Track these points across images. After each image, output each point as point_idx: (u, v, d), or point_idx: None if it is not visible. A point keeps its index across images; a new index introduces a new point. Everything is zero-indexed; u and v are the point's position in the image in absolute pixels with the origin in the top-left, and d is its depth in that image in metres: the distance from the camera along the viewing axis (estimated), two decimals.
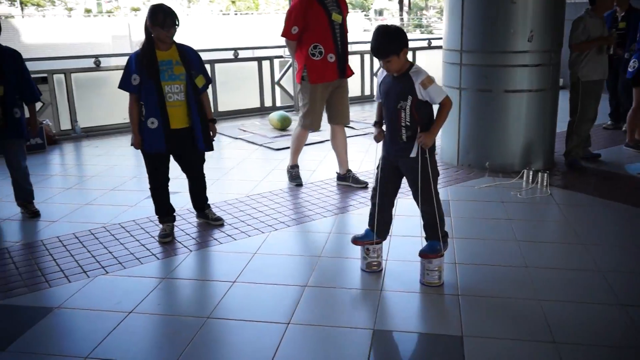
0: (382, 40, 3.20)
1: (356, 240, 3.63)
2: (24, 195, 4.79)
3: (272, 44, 9.98)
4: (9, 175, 4.77)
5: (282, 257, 3.88)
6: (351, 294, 3.37)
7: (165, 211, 4.33)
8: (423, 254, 3.41)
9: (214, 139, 4.29)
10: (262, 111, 9.35)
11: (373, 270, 3.59)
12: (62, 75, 7.88)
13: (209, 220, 4.46)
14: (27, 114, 4.75)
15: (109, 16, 45.46)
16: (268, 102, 9.50)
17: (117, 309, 3.24)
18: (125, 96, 7.79)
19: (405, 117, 3.29)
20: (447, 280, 3.49)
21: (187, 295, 3.43)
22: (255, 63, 9.48)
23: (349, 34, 5.21)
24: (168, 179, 4.33)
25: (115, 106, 8.35)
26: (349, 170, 5.34)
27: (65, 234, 4.34)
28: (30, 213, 4.73)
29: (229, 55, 9.41)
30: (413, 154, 3.31)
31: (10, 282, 3.59)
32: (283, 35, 5.11)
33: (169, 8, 3.91)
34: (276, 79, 9.59)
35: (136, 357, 2.78)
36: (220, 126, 8.30)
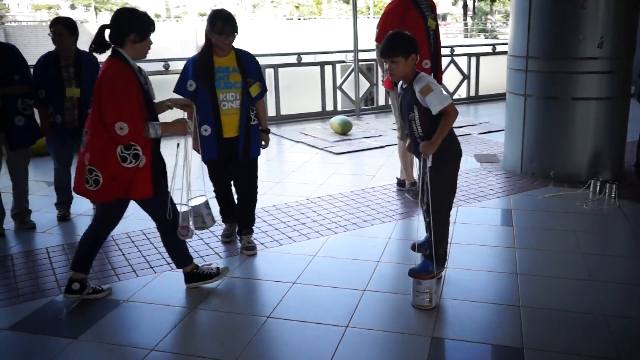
0: (393, 40, 3.21)
1: (414, 247, 3.64)
2: None
3: (335, 48, 10.05)
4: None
5: (341, 260, 3.92)
6: (409, 301, 3.36)
7: (227, 212, 4.37)
8: (413, 273, 3.27)
9: (266, 147, 4.15)
10: (323, 115, 9.43)
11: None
12: None
13: (242, 247, 4.13)
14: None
15: (177, 21, 46.77)
16: (329, 107, 9.58)
17: (181, 304, 3.36)
18: None
19: (417, 128, 3.25)
20: (508, 290, 3.44)
21: (248, 294, 3.51)
22: (317, 68, 9.57)
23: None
24: (230, 183, 4.29)
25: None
26: (413, 183, 5.19)
27: (134, 230, 4.52)
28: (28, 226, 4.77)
29: (293, 59, 9.54)
30: (429, 163, 3.23)
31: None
32: (378, 40, 5.00)
33: (229, 14, 3.82)
34: (338, 83, 9.66)
35: (200, 352, 2.88)
36: (282, 129, 8.45)
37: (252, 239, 4.18)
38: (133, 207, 5.04)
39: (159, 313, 3.28)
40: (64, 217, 4.82)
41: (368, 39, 8.77)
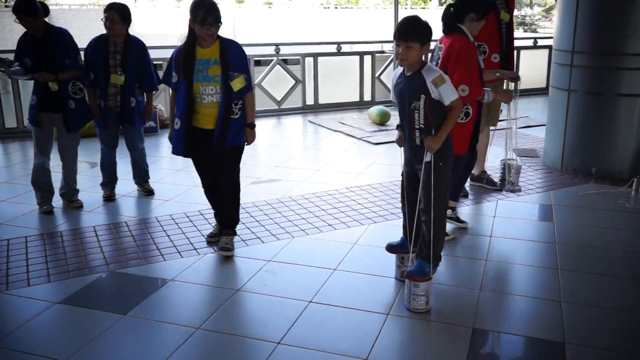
0: (412, 23, 3.06)
1: (391, 248, 3.50)
2: (141, 174, 5.15)
3: (373, 38, 10.02)
4: (129, 155, 5.12)
5: (381, 249, 3.92)
6: (449, 291, 3.39)
7: (215, 210, 4.16)
8: (410, 275, 3.16)
9: (250, 144, 3.90)
10: (361, 105, 9.44)
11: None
12: None
13: (219, 246, 3.95)
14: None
15: None
16: (367, 97, 9.58)
17: (225, 286, 3.44)
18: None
19: (419, 118, 3.11)
20: (548, 285, 3.44)
21: (290, 278, 3.56)
22: (356, 57, 9.56)
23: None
24: (214, 180, 3.99)
25: None
26: (484, 172, 5.22)
27: (177, 212, 4.62)
28: (146, 191, 5.08)
29: (332, 49, 9.55)
30: (427, 159, 3.11)
31: (129, 252, 3.90)
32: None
33: (212, 3, 3.59)
34: (376, 74, 9.64)
35: (244, 332, 2.95)
36: (320, 118, 8.50)
37: (231, 240, 3.95)
38: (176, 191, 5.19)
39: (203, 293, 3.38)
40: (109, 197, 4.95)
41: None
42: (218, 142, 3.74)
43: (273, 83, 9.10)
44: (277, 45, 9.14)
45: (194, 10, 3.57)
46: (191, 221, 4.45)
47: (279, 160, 6.24)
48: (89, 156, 6.14)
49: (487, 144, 5.17)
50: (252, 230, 4.28)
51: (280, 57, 9.07)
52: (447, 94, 3.05)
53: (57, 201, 4.81)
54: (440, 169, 3.14)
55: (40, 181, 4.65)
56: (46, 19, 4.54)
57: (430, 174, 3.11)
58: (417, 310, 3.12)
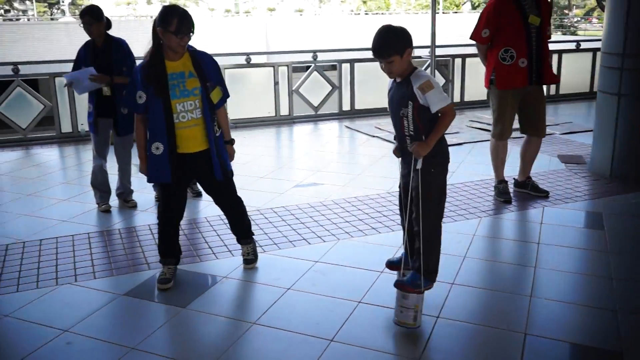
0: (383, 38, 2.91)
1: (391, 265, 3.36)
2: None
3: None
4: None
5: None
6: (500, 296, 3.44)
7: (169, 252, 3.66)
8: (399, 284, 3.04)
9: (232, 161, 3.72)
10: None
11: None
12: None
13: (243, 258, 3.85)
14: None
15: (247, 16, 47.55)
16: None
17: (276, 284, 3.57)
18: (271, 89, 8.30)
19: (408, 125, 2.98)
20: (602, 293, 3.43)
21: (339, 279, 3.67)
22: None
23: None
24: (181, 215, 3.72)
25: (262, 100, 8.95)
26: (529, 178, 5.22)
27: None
28: (195, 193, 5.26)
29: (368, 55, 9.64)
30: (419, 166, 2.96)
31: (182, 250, 4.05)
32: (473, 38, 5.00)
33: (184, 11, 3.30)
34: None
35: (297, 328, 3.07)
36: (356, 124, 8.61)
37: (252, 248, 3.85)
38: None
39: (256, 290, 3.52)
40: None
41: (439, 35, 8.85)
42: (222, 168, 3.53)
43: (310, 89, 9.26)
44: (314, 52, 9.30)
45: (165, 17, 3.25)
46: None
47: (319, 164, 6.37)
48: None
49: (535, 153, 5.19)
50: (297, 231, 4.41)
51: (317, 64, 9.23)
52: (435, 101, 2.89)
53: (113, 201, 5.05)
54: (431, 176, 2.99)
55: (99, 182, 4.90)
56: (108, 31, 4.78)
57: (418, 182, 2.96)
58: (405, 325, 3.02)
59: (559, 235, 4.30)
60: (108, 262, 3.92)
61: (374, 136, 7.78)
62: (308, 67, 9.30)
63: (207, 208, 4.96)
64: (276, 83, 8.91)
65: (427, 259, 3.04)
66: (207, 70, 3.44)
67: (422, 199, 2.96)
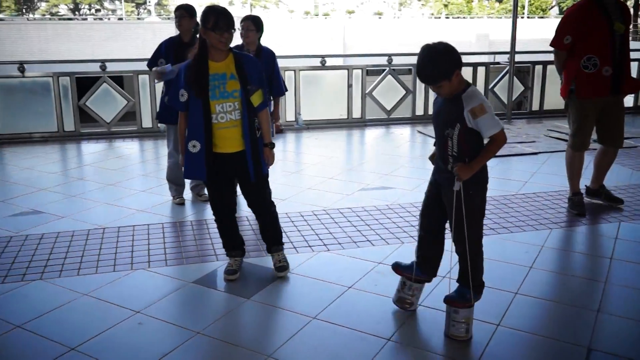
0: (428, 63, 2.75)
1: (397, 268, 3.32)
2: None
3: (486, 49, 9.95)
4: None
5: (490, 261, 3.92)
6: (564, 308, 3.37)
7: (231, 245, 3.80)
8: (449, 300, 3.02)
9: (270, 165, 3.68)
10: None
11: (405, 308, 3.28)
12: (292, 72, 8.71)
13: (274, 267, 3.79)
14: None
15: (325, 18, 47.95)
16: None
17: (338, 282, 3.64)
18: (344, 92, 8.38)
19: (452, 146, 2.85)
20: None
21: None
22: (469, 69, 9.53)
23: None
24: (231, 210, 3.78)
25: (335, 102, 9.07)
26: (602, 186, 5.08)
27: (292, 211, 4.91)
28: None
29: None
30: (456, 187, 2.84)
31: (249, 244, 4.21)
32: (553, 45, 4.86)
33: (223, 9, 3.37)
34: (490, 85, 9.58)
35: (356, 326, 3.13)
36: (429, 129, 8.56)
37: (283, 256, 3.82)
38: (291, 192, 5.49)
39: (318, 287, 3.59)
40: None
41: (522, 41, 8.65)
42: (256, 171, 3.53)
43: (384, 93, 9.29)
44: (389, 55, 9.32)
45: (205, 17, 3.33)
46: (305, 220, 4.71)
47: (388, 168, 6.40)
48: None
49: (610, 163, 5.03)
50: (362, 233, 4.47)
51: (392, 67, 9.25)
52: (487, 127, 2.75)
53: (187, 194, 5.29)
54: (470, 198, 2.89)
55: (175, 177, 5.13)
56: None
57: (460, 203, 2.86)
58: (456, 337, 3.00)
59: (634, 251, 4.15)
60: (179, 251, 4.12)
61: None
62: (383, 71, 9.33)
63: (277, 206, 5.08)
64: (350, 86, 9.00)
65: (475, 276, 3.01)
66: (249, 73, 3.44)
67: (457, 218, 2.90)
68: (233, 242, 3.78)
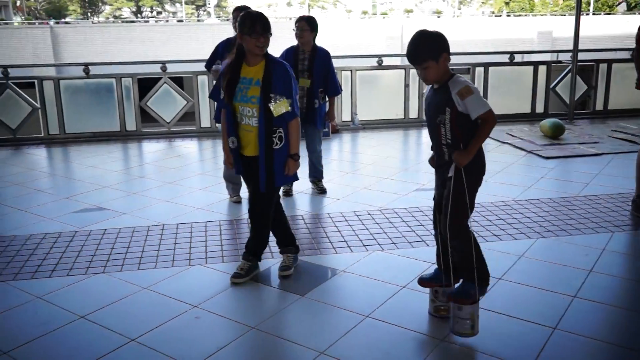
0: (418, 43, 2.80)
1: (422, 281, 3.25)
2: (316, 174, 5.55)
3: (549, 47, 9.70)
4: (306, 156, 5.54)
5: (549, 264, 3.91)
6: (624, 313, 3.28)
7: (278, 241, 3.92)
8: (452, 296, 2.95)
9: (291, 175, 3.61)
10: (532, 117, 9.18)
11: (442, 315, 3.20)
12: (349, 72, 8.73)
13: (235, 273, 3.71)
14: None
15: (383, 18, 47.77)
16: (540, 109, 9.30)
17: (392, 281, 3.63)
18: (401, 92, 8.31)
19: (446, 133, 2.87)
20: None
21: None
22: (530, 68, 9.34)
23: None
24: (280, 203, 3.90)
25: (391, 102, 9.03)
26: None
27: (348, 211, 4.93)
28: (320, 190, 5.46)
29: (504, 58, 9.41)
30: (450, 173, 2.87)
31: (304, 242, 4.26)
32: (638, 41, 4.71)
33: (260, 13, 3.45)
34: (552, 84, 9.34)
35: (409, 325, 3.13)
36: None
37: (291, 259, 3.82)
38: (346, 191, 5.52)
39: (371, 286, 3.60)
40: (288, 192, 5.41)
41: (587, 38, 8.38)
42: (267, 180, 3.52)
43: None
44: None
45: (242, 22, 3.40)
46: (360, 220, 4.72)
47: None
48: None
49: None
50: (417, 233, 4.44)
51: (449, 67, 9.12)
52: (475, 107, 2.78)
53: (243, 192, 5.34)
54: (463, 186, 2.87)
55: (232, 176, 5.22)
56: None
57: (459, 191, 2.86)
58: (462, 334, 2.95)
59: None
60: (235, 249, 4.20)
61: (504, 142, 7.58)
62: None
63: (330, 205, 5.14)
64: (406, 85, 8.94)
65: (479, 266, 2.95)
66: (275, 81, 3.44)
67: (453, 208, 2.88)
68: (280, 239, 3.87)
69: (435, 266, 3.28)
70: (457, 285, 3.03)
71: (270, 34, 3.42)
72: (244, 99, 3.47)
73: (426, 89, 2.98)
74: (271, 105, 3.42)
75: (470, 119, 2.81)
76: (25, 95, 8.32)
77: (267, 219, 3.71)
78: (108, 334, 3.09)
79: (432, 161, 3.11)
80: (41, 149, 7.86)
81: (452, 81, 2.83)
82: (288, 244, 3.86)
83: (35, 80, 8.36)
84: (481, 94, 2.85)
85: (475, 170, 2.93)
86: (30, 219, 4.93)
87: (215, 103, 5.17)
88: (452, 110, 2.82)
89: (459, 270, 3.01)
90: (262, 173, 3.51)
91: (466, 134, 2.84)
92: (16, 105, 8.31)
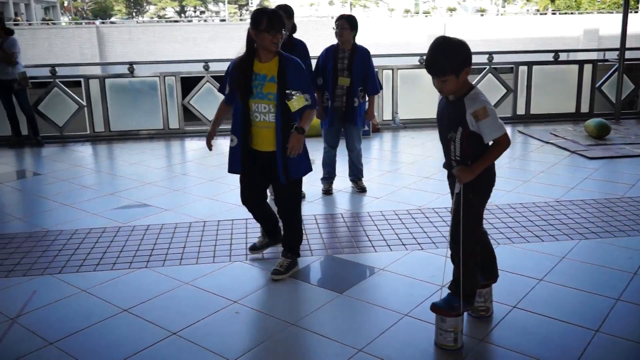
0: (439, 54, 2.65)
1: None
2: (356, 172, 5.55)
3: (595, 46, 9.49)
4: (346, 155, 5.55)
5: (591, 266, 3.84)
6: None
7: (265, 231, 3.99)
8: (435, 308, 2.91)
9: (294, 153, 3.54)
10: (576, 117, 8.99)
11: (481, 315, 3.18)
12: (390, 71, 8.70)
13: (274, 270, 3.73)
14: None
15: (426, 16, 47.38)
16: (585, 108, 9.10)
17: (431, 281, 3.62)
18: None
19: (455, 150, 2.77)
20: None
21: (495, 283, 3.64)
22: (575, 66, 9.14)
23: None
24: (262, 199, 3.90)
25: (432, 102, 8.94)
26: None
27: (387, 209, 4.92)
28: (359, 188, 5.47)
29: (548, 57, 9.24)
30: (457, 189, 2.80)
31: (343, 241, 4.29)
32: None
33: (274, 10, 3.47)
34: (597, 84, 9.12)
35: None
36: (530, 129, 8.29)
37: (286, 262, 3.76)
38: (386, 190, 5.51)
39: (410, 285, 3.59)
40: (328, 191, 5.44)
41: (635, 36, 8.16)
42: (284, 173, 3.56)
43: (483, 91, 8.89)
44: (490, 53, 9.10)
45: (257, 18, 3.40)
46: (400, 219, 4.70)
47: None
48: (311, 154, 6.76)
49: None
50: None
51: (492, 66, 9.02)
52: (490, 131, 2.66)
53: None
54: (468, 202, 2.81)
55: None
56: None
57: (459, 207, 2.80)
58: (444, 346, 2.91)
59: None
60: (275, 246, 4.22)
61: (548, 142, 7.45)
62: (483, 69, 9.12)
63: (369, 203, 5.14)
64: None
65: (465, 283, 2.90)
66: (290, 77, 3.47)
67: (455, 221, 2.85)
68: (266, 228, 3.96)
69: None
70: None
71: (286, 31, 3.45)
72: (260, 96, 3.48)
73: (439, 96, 2.93)
74: (288, 101, 3.45)
75: (481, 138, 2.72)
76: (72, 94, 8.56)
77: (296, 214, 3.79)
78: (150, 327, 3.16)
79: (446, 166, 3.05)
80: (86, 146, 8.08)
81: (469, 97, 2.70)
82: (284, 244, 3.87)
83: (82, 79, 8.60)
84: (497, 114, 2.75)
85: (484, 186, 2.87)
86: (76, 214, 5.08)
87: None
88: (464, 130, 2.71)
89: (455, 280, 2.98)
90: (279, 166, 3.55)
91: (475, 153, 2.76)
92: (63, 103, 8.56)
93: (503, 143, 2.71)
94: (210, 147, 3.88)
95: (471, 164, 2.75)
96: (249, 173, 3.70)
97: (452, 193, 2.96)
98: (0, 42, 7.67)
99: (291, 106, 3.46)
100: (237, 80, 3.51)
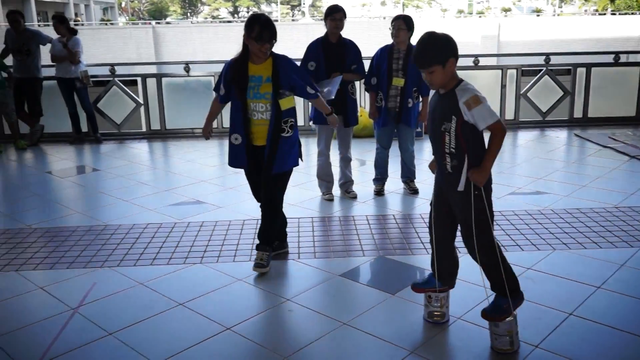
0: (424, 47, 2.73)
1: (416, 287, 3.21)
2: (408, 174, 5.54)
3: None
4: (399, 156, 5.53)
5: (633, 270, 3.72)
6: None
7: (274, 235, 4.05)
8: (486, 315, 2.89)
9: (333, 126, 4.27)
10: (636, 121, 8.72)
11: (436, 321, 3.17)
12: None
13: (255, 263, 3.84)
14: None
15: (480, 17, 46.64)
16: None
17: (480, 283, 3.52)
18: (496, 93, 8.13)
19: (450, 142, 2.77)
20: None
21: (550, 288, 3.56)
22: (637, 69, 8.88)
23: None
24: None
25: None
26: None
27: (425, 212, 4.87)
28: (412, 190, 5.45)
29: (608, 59, 8.98)
30: (460, 187, 2.79)
31: (395, 242, 4.29)
32: None
33: (268, 19, 3.62)
34: None
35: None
36: (587, 133, 8.08)
37: (266, 256, 3.83)
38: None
39: (463, 288, 3.52)
40: (380, 192, 5.44)
41: None
42: (267, 164, 3.72)
43: (539, 94, 8.90)
44: (547, 54, 8.90)
45: (249, 25, 3.57)
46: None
47: (542, 172, 6.15)
48: (360, 155, 6.81)
49: None
50: (511, 237, 4.34)
51: (549, 67, 8.82)
52: (483, 117, 2.69)
53: (335, 191, 5.48)
54: (477, 199, 2.80)
55: (325, 174, 5.33)
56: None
57: (469, 206, 2.80)
58: (501, 350, 2.88)
59: None
60: (327, 245, 4.28)
61: (606, 146, 7.24)
62: (539, 71, 8.93)
63: (422, 205, 5.11)
64: (503, 86, 8.72)
65: (509, 280, 2.88)
66: (284, 77, 3.67)
67: (479, 224, 2.82)
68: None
69: (429, 271, 3.25)
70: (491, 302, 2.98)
71: (276, 40, 3.62)
72: (257, 96, 3.68)
73: (431, 93, 2.99)
74: (280, 100, 3.67)
75: (476, 129, 2.75)
76: (130, 92, 8.81)
77: (279, 207, 3.94)
78: (205, 322, 3.23)
79: (433, 166, 3.07)
80: (143, 143, 8.30)
81: (460, 88, 2.76)
82: (261, 237, 3.92)
83: (139, 78, 8.83)
84: (489, 104, 2.75)
85: (487, 180, 2.86)
86: (133, 209, 5.23)
87: (309, 104, 5.30)
88: (458, 119, 2.74)
89: (493, 283, 2.96)
90: (266, 152, 3.72)
91: (471, 144, 2.78)
92: (121, 101, 8.82)
93: (499, 132, 2.75)
94: (207, 136, 4.12)
95: (480, 164, 2.76)
96: (251, 173, 3.91)
97: (439, 192, 2.99)
98: (64, 41, 7.96)
99: (282, 105, 3.68)
100: (235, 83, 3.71)
